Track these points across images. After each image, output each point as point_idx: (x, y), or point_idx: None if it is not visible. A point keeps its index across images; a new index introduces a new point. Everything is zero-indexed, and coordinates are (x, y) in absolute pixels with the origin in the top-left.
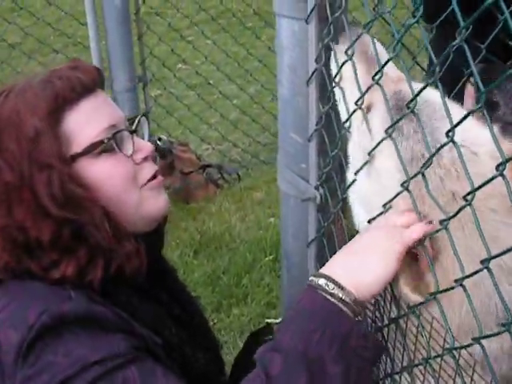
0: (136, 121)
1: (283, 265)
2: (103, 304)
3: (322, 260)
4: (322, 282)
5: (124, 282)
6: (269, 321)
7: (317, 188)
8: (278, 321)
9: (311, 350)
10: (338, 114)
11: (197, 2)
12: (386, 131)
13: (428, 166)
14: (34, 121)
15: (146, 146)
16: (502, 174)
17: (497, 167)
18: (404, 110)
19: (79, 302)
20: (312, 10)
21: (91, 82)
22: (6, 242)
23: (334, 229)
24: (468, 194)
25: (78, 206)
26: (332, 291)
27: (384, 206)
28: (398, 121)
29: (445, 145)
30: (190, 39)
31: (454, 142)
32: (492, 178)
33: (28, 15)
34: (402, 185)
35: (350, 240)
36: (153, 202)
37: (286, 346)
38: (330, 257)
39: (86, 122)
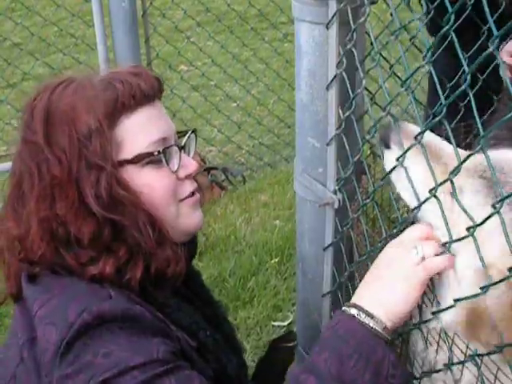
0: (186, 137)
1: (298, 268)
2: (142, 304)
3: (338, 264)
4: (353, 311)
5: (163, 285)
6: (275, 323)
7: (335, 193)
8: (284, 324)
9: (346, 374)
10: (359, 118)
11: (202, 3)
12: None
13: (456, 173)
14: (89, 120)
15: (191, 165)
16: None
17: None
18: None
19: (119, 302)
20: (334, 15)
21: (151, 92)
22: (46, 232)
23: (353, 234)
24: (498, 201)
25: (122, 209)
26: (364, 320)
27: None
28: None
29: (475, 152)
30: (192, 40)
31: (483, 150)
32: None
33: (28, 14)
34: (429, 191)
35: (370, 245)
36: (189, 218)
37: (320, 368)
38: (348, 262)
39: (140, 131)
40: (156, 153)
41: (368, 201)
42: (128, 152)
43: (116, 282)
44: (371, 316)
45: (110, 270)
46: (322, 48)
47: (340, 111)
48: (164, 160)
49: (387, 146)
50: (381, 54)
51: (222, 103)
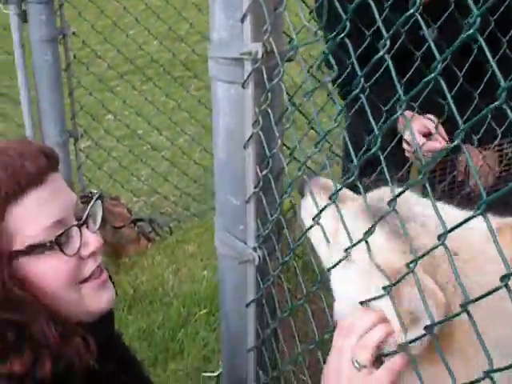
0: (89, 206)
1: (222, 323)
2: None
3: (261, 320)
4: None
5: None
6: (206, 374)
7: (255, 250)
8: (215, 374)
9: None
10: (277, 177)
11: (126, 56)
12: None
13: (370, 234)
14: None
15: (94, 242)
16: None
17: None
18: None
19: None
20: (249, 75)
21: (37, 172)
22: None
23: (274, 291)
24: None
25: (20, 308)
26: None
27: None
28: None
29: (435, 247)
30: (118, 89)
31: (445, 246)
32: None
33: None
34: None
35: (290, 301)
36: (94, 300)
37: None
38: (270, 318)
39: (29, 219)
40: (48, 243)
41: (287, 258)
42: (20, 243)
43: (32, 379)
44: None
45: (19, 369)
46: (238, 107)
47: (258, 169)
48: (58, 247)
49: (302, 195)
50: (300, 111)
51: (148, 153)
